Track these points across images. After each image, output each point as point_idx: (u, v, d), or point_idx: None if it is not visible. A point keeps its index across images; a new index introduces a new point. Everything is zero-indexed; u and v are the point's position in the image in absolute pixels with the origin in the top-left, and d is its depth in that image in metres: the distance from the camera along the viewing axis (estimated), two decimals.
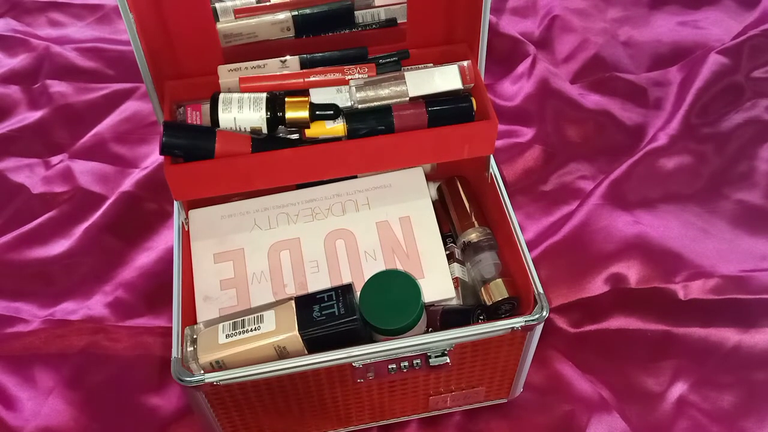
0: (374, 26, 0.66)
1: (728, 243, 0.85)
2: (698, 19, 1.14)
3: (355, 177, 0.70)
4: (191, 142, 0.57)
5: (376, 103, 0.60)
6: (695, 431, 0.71)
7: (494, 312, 0.66)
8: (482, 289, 0.65)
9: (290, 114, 0.59)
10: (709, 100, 1.00)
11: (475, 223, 0.69)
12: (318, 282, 0.64)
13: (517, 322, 0.59)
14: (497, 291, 0.64)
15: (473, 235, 0.67)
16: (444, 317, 0.65)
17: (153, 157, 0.97)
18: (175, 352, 0.58)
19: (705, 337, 0.78)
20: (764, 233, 0.87)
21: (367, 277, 0.61)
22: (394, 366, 0.61)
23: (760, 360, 0.76)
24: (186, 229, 0.67)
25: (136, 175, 0.94)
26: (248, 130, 0.59)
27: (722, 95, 1.01)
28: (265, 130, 0.59)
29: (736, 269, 0.82)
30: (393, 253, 0.64)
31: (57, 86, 1.07)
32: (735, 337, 0.77)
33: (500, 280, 0.64)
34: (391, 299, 0.59)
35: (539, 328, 0.61)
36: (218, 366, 0.59)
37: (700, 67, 1.03)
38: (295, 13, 0.64)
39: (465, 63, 0.62)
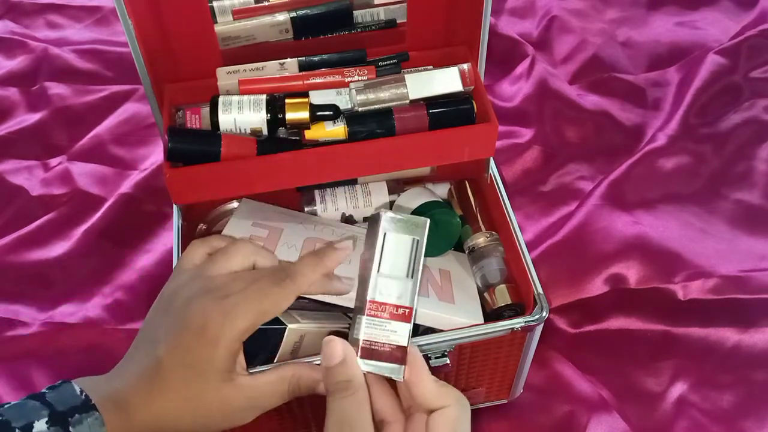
0: (373, 27, 0.65)
1: (727, 243, 0.86)
2: (696, 19, 1.14)
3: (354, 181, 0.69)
4: (197, 147, 0.57)
5: (376, 106, 0.60)
6: (695, 431, 0.71)
7: (497, 318, 0.65)
8: (486, 293, 0.65)
9: (290, 115, 0.59)
10: (707, 100, 1.00)
11: (483, 227, 0.68)
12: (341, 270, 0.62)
13: (517, 322, 0.59)
14: (501, 297, 0.64)
15: (480, 240, 0.67)
16: None
17: (152, 159, 0.97)
18: None
19: (704, 337, 0.78)
20: (763, 233, 0.87)
21: None
22: None
23: (760, 360, 0.76)
24: (185, 232, 0.67)
25: (135, 176, 0.94)
26: (248, 131, 0.59)
27: (720, 95, 1.01)
28: (265, 132, 0.59)
29: (735, 269, 0.82)
30: (427, 281, 0.64)
31: (55, 88, 1.06)
32: (734, 337, 0.77)
33: (504, 286, 0.64)
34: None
35: (539, 329, 0.61)
36: None
37: (698, 67, 1.03)
38: (294, 14, 0.63)
39: (465, 66, 0.62)
